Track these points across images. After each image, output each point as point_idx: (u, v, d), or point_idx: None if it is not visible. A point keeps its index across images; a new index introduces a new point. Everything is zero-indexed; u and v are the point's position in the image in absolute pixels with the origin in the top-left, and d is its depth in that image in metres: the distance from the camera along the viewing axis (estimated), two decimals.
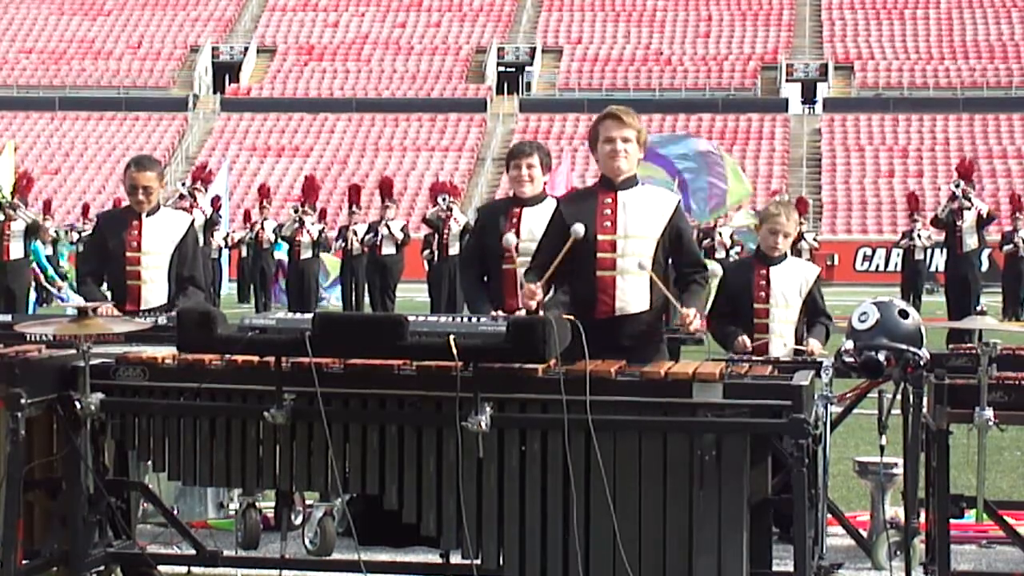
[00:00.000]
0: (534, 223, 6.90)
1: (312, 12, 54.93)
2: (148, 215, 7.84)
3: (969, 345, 7.01)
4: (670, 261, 6.09)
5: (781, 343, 7.27)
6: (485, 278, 7.14)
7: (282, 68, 52.73)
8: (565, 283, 6.03)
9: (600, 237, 5.92)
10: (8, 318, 7.45)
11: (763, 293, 7.34)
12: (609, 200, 5.98)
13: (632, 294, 5.91)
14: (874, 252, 40.40)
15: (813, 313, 7.39)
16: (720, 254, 24.67)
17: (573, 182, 27.60)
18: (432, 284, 21.03)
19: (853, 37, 51.84)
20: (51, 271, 22.56)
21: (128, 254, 7.79)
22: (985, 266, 20.24)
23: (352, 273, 22.57)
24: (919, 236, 24.77)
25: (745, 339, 7.16)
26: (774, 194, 28.13)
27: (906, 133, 47.19)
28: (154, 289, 7.81)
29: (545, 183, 7.19)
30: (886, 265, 38.94)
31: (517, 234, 6.97)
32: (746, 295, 7.35)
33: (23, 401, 5.27)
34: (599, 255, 5.92)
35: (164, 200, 8.10)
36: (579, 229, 5.86)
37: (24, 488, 5.38)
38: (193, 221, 8.29)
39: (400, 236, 21.37)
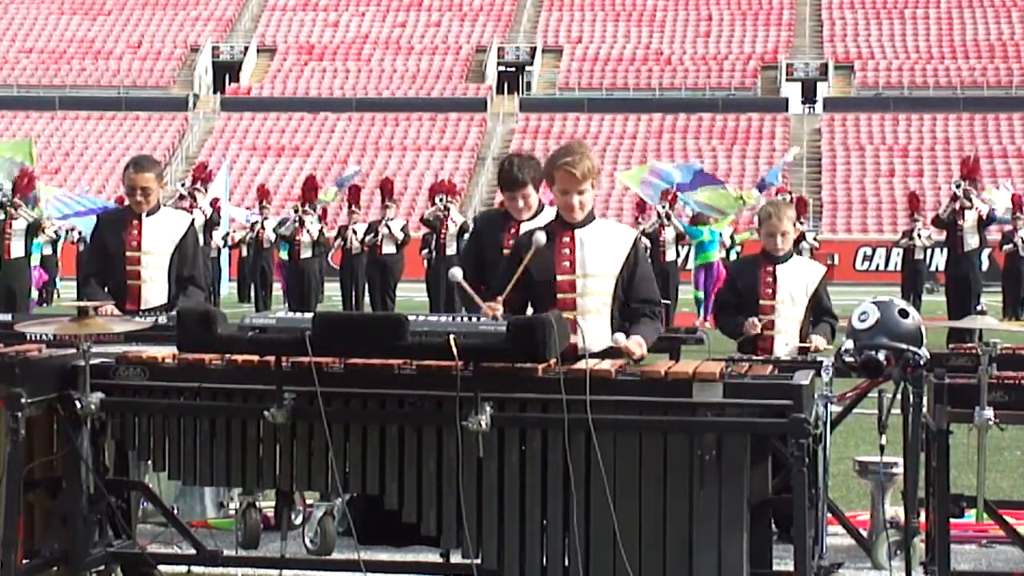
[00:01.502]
0: None
1: (312, 12, 54.94)
2: (148, 215, 7.85)
3: (969, 345, 7.01)
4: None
5: (786, 340, 7.29)
6: (482, 287, 7.08)
7: (282, 68, 52.74)
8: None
9: (560, 277, 5.80)
10: (8, 318, 7.46)
11: (770, 290, 7.36)
12: (567, 239, 5.84)
13: (593, 333, 5.75)
14: (874, 252, 40.42)
15: (819, 312, 7.42)
16: (721, 254, 24.68)
17: None
18: (430, 284, 21.05)
19: (853, 37, 51.85)
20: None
21: (128, 254, 7.80)
22: (985, 266, 20.23)
23: (352, 273, 22.57)
24: (919, 236, 24.77)
25: (754, 319, 7.18)
26: (778, 193, 28.11)
27: (906, 133, 47.20)
28: (154, 289, 7.82)
29: (540, 198, 7.12)
30: (886, 265, 38.96)
31: None
32: (753, 292, 7.36)
33: (23, 401, 5.27)
34: (559, 296, 5.79)
35: (164, 200, 8.11)
36: (540, 238, 5.70)
37: (24, 488, 5.38)
38: (193, 221, 8.30)
39: (400, 236, 21.38)
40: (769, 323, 7.32)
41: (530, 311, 6.00)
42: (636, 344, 5.68)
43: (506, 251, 6.90)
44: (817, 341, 7.21)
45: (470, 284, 7.06)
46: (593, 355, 5.59)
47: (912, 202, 25.99)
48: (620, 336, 5.71)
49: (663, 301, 6.28)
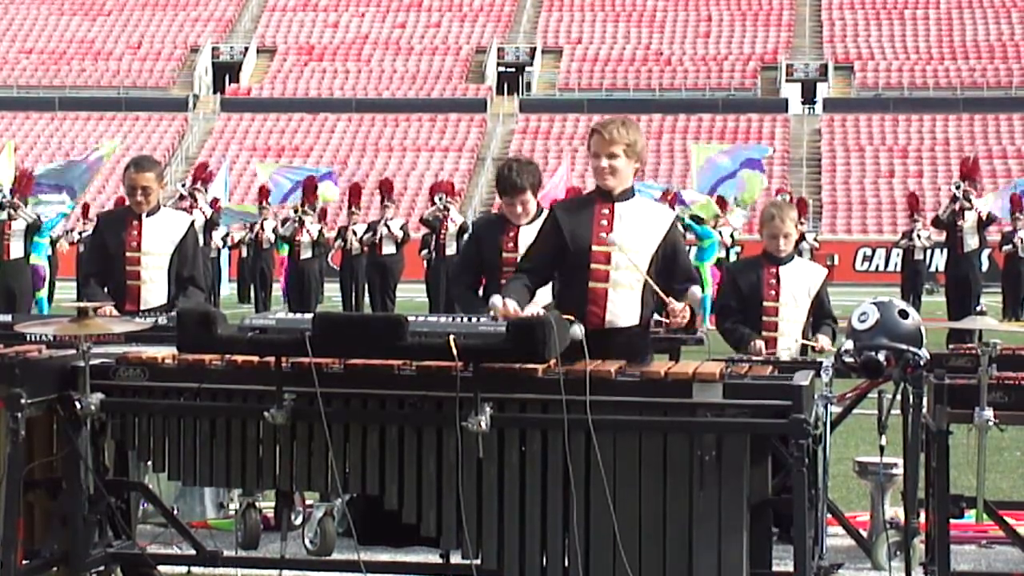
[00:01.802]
0: (532, 238, 6.88)
1: (312, 12, 54.94)
2: (148, 215, 7.85)
3: (969, 345, 7.01)
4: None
5: (789, 342, 7.28)
6: (480, 291, 7.09)
7: (282, 68, 52.74)
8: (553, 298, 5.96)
9: (595, 248, 5.82)
10: (8, 318, 7.46)
11: (773, 292, 7.35)
12: (606, 211, 5.87)
13: (623, 307, 5.82)
14: (874, 252, 40.42)
15: (819, 315, 7.40)
16: (720, 254, 24.66)
17: (572, 182, 27.65)
18: (430, 284, 21.05)
19: (853, 37, 51.86)
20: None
21: (128, 254, 7.80)
22: (985, 266, 20.23)
23: (352, 273, 22.57)
24: (919, 236, 24.77)
25: (760, 344, 7.16)
26: (778, 193, 28.11)
27: (906, 133, 47.20)
28: (153, 289, 7.82)
29: (539, 200, 7.12)
30: (886, 265, 38.96)
31: (515, 250, 6.91)
32: (756, 294, 7.35)
33: (23, 401, 5.27)
34: (593, 266, 5.82)
35: (164, 200, 8.11)
36: (577, 332, 5.35)
37: (24, 488, 5.38)
38: (193, 222, 8.29)
39: (400, 235, 21.38)
40: (771, 325, 7.31)
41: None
42: (680, 308, 5.78)
43: (505, 255, 6.91)
44: (823, 341, 7.22)
45: (469, 286, 7.09)
46: (619, 330, 5.67)
47: (912, 203, 25.99)
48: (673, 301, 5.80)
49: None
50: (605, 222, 5.86)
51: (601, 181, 5.89)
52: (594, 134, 5.89)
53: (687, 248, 6.60)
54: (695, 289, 5.88)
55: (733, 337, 7.36)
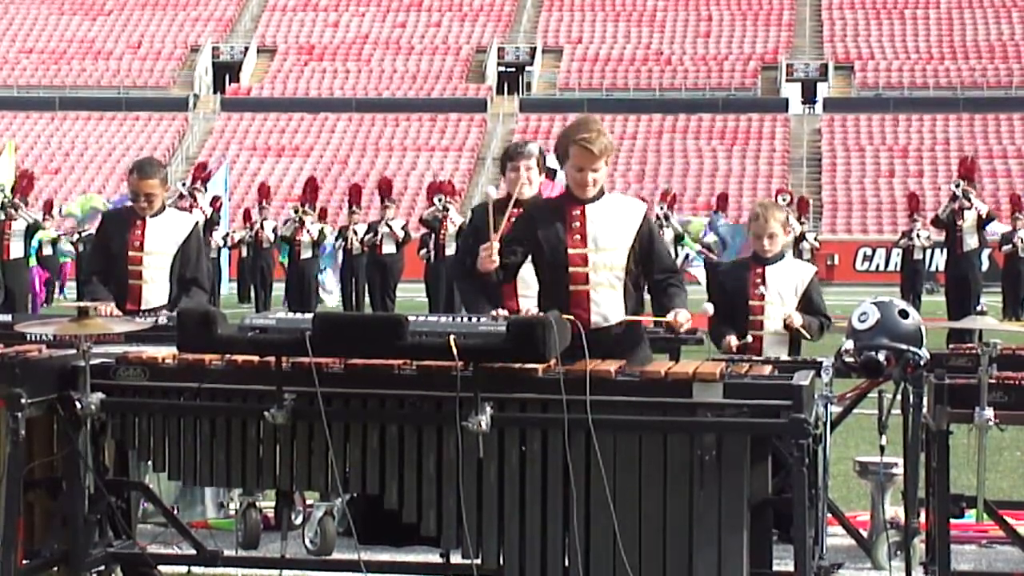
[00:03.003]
0: None
1: (312, 12, 54.95)
2: (153, 216, 7.84)
3: (969, 345, 7.01)
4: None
5: (776, 341, 7.27)
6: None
7: (282, 68, 52.75)
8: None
9: (571, 251, 5.83)
10: (8, 318, 7.45)
11: (758, 291, 7.35)
12: (577, 212, 5.88)
13: (607, 306, 5.82)
14: (874, 252, 40.42)
15: (810, 313, 7.38)
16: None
17: None
18: (429, 284, 21.06)
19: (853, 37, 51.86)
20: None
21: (130, 253, 7.79)
22: (985, 266, 20.23)
23: (352, 273, 22.58)
24: (918, 236, 24.78)
25: (731, 339, 7.18)
26: (779, 193, 28.10)
27: (906, 133, 47.20)
28: (155, 289, 7.81)
29: (541, 184, 7.14)
30: (886, 265, 38.95)
31: None
32: (742, 294, 7.35)
33: (23, 401, 5.27)
34: (571, 269, 5.82)
35: (165, 200, 8.10)
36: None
37: (24, 488, 5.38)
38: (197, 223, 8.27)
39: (401, 235, 21.39)
40: (757, 323, 7.32)
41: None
42: (684, 317, 5.83)
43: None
44: (793, 316, 7.22)
45: (468, 274, 7.09)
46: (606, 328, 5.73)
47: (911, 202, 26.00)
48: (670, 315, 5.86)
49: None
50: (578, 224, 5.87)
51: (582, 193, 5.89)
52: (576, 146, 5.82)
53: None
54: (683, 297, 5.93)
55: (715, 335, 7.38)
